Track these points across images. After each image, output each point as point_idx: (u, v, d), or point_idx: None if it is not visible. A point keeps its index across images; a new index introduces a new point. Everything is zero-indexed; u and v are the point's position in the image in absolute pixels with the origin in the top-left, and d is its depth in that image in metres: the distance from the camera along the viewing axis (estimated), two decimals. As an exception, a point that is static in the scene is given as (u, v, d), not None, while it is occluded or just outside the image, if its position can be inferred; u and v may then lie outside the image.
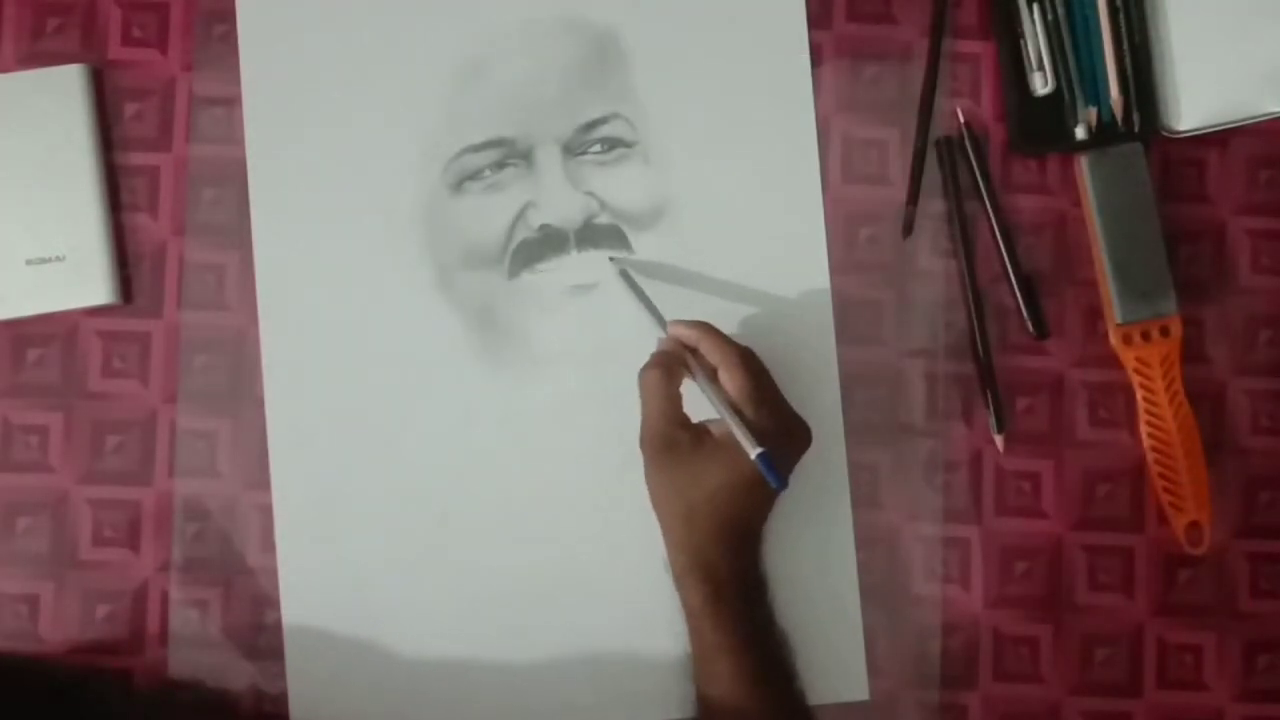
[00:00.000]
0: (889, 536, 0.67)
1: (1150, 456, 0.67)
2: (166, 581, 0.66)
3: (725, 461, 0.58)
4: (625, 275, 0.66)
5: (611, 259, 0.67)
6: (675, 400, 0.60)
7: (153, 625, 0.65)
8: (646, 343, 0.63)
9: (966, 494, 0.68)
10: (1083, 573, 0.68)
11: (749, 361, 0.60)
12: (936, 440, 0.68)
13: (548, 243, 0.67)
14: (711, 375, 0.60)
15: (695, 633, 0.59)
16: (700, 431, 0.60)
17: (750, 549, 0.61)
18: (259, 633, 0.65)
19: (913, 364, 0.68)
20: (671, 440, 0.59)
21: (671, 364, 0.60)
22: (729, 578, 0.59)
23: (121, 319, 0.67)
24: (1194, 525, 0.67)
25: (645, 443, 0.60)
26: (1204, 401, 0.68)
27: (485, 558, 0.66)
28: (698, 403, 0.60)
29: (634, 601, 0.65)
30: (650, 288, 0.65)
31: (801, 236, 0.68)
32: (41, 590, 0.65)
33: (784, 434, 0.60)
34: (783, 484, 0.56)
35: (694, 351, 0.61)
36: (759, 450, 0.56)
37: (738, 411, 0.58)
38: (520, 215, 0.67)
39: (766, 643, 0.60)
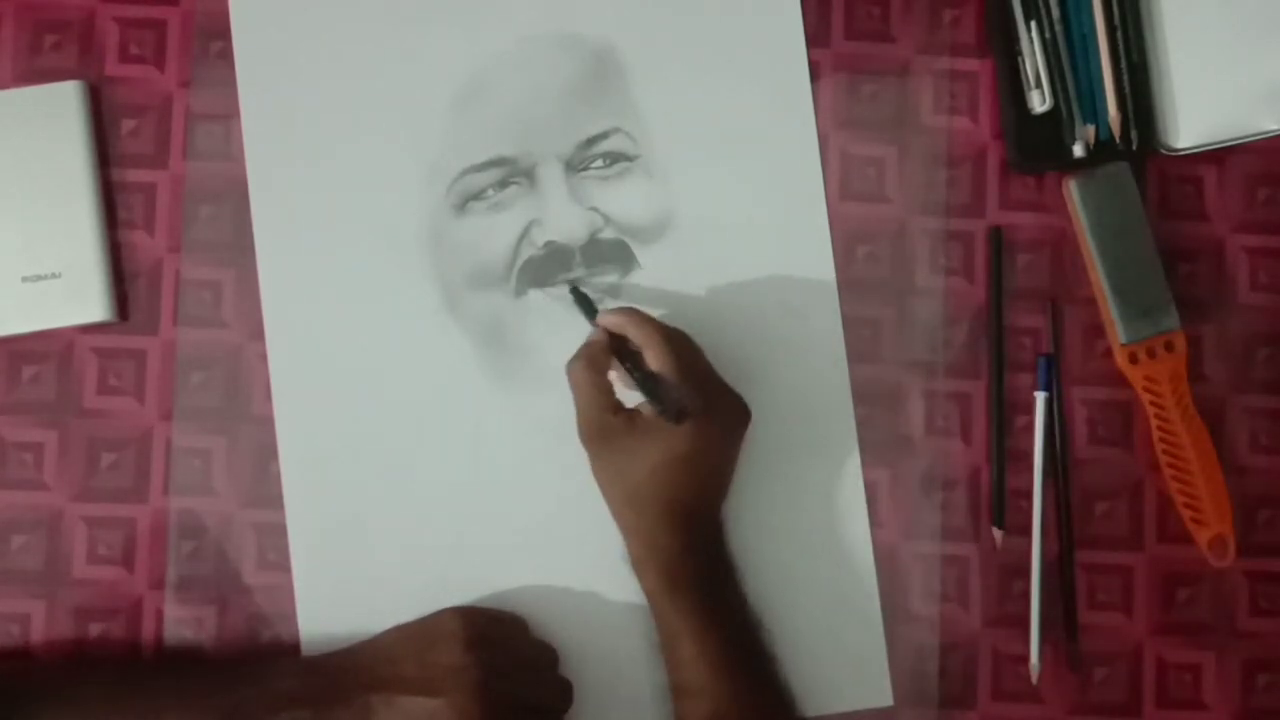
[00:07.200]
0: (887, 554, 0.67)
1: (1167, 473, 0.67)
2: (161, 600, 0.65)
3: (658, 439, 0.59)
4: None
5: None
6: (605, 388, 0.61)
7: (147, 644, 0.65)
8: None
9: (965, 512, 0.67)
10: (1081, 591, 0.67)
11: (675, 340, 0.61)
12: (935, 458, 0.68)
13: (553, 259, 0.67)
14: (636, 358, 0.61)
15: (656, 617, 0.61)
16: (632, 415, 0.61)
17: (703, 531, 0.61)
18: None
19: (912, 381, 0.68)
20: (605, 426, 0.60)
21: (595, 353, 0.61)
22: (682, 560, 0.59)
23: (117, 336, 0.66)
24: (1218, 539, 0.67)
25: (581, 433, 0.61)
26: (1202, 419, 0.67)
27: (499, 575, 0.66)
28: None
29: (646, 616, 0.65)
30: (657, 300, 0.66)
31: (807, 247, 0.68)
32: (34, 609, 0.65)
33: (714, 411, 0.60)
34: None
35: (624, 340, 0.62)
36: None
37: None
38: (525, 233, 0.67)
39: (731, 626, 0.60)
